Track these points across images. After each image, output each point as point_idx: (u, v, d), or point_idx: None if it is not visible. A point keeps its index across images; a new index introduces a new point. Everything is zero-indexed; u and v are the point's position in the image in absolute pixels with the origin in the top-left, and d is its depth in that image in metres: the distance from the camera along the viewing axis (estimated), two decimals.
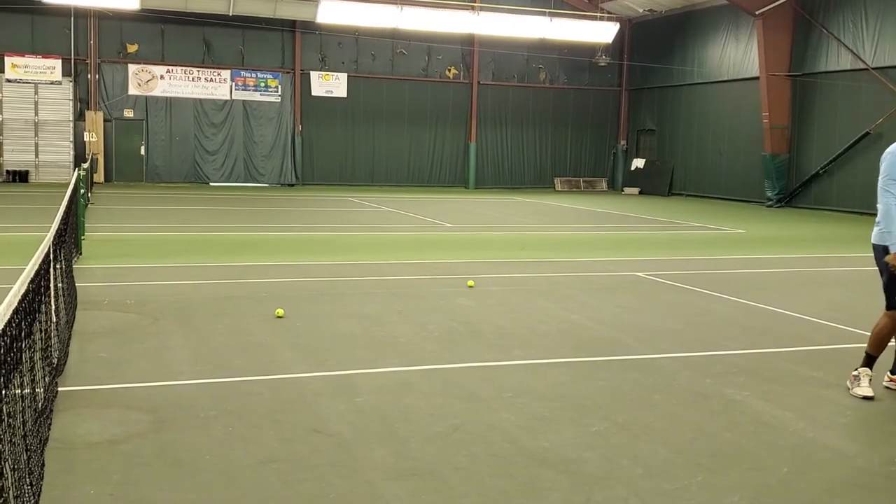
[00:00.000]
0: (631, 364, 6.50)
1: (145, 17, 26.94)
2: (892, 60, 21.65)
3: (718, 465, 4.40)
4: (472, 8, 28.52)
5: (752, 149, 25.63)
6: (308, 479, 4.14)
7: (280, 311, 7.86)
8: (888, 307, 5.83)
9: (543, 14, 28.93)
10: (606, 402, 5.51)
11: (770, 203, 24.64)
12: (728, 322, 8.24)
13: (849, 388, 5.85)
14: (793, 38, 24.55)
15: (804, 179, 24.23)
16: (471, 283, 9.74)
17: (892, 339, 5.88)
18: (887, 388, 5.93)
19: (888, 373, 5.98)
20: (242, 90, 28.81)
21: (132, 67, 27.69)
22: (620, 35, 30.81)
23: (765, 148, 24.78)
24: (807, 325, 8.17)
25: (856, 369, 5.86)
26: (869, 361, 5.80)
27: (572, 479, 4.18)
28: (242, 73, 28.76)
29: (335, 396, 5.47)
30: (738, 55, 26.69)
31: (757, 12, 24.08)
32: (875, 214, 6.10)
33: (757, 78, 24.94)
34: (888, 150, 5.94)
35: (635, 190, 30.95)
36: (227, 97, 28.66)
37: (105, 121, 27.49)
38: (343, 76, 29.68)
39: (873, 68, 22.03)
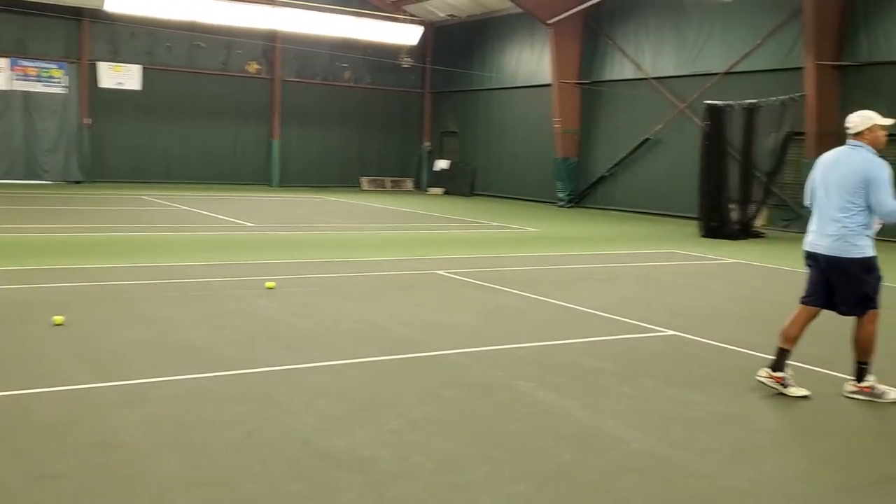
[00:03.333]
0: (427, 361, 6.66)
1: None
2: (668, 71, 23.45)
3: (505, 456, 4.61)
4: (273, 2, 27.98)
5: (545, 152, 26.91)
6: (90, 493, 3.92)
7: (59, 319, 7.36)
8: (867, 309, 5.92)
9: (347, 13, 28.91)
10: (402, 399, 5.61)
11: (562, 203, 26.00)
12: (520, 317, 8.63)
13: (874, 400, 5.89)
14: (582, 47, 26.00)
15: (592, 181, 25.75)
16: (270, 284, 9.59)
17: (799, 332, 6.08)
18: (760, 381, 6.03)
19: (769, 369, 6.06)
20: (23, 80, 26.68)
21: None
22: (424, 38, 31.36)
23: (556, 151, 26.10)
24: (592, 318, 8.70)
25: (864, 385, 5.95)
26: (778, 366, 5.99)
27: (366, 477, 4.23)
28: (22, 61, 26.64)
29: (124, 407, 5.22)
30: (532, 62, 27.93)
31: (549, 22, 25.31)
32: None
33: (549, 85, 26.20)
34: (851, 163, 5.89)
35: (440, 190, 31.64)
36: (5, 87, 26.44)
37: None
38: (136, 68, 28.23)
39: (652, 78, 23.77)
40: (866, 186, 5.77)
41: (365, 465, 4.40)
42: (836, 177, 5.93)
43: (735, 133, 19.00)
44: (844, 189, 5.85)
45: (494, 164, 29.93)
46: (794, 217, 20.02)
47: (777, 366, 6.06)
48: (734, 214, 18.67)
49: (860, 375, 6.03)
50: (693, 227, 18.83)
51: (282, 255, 12.48)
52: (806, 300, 6.16)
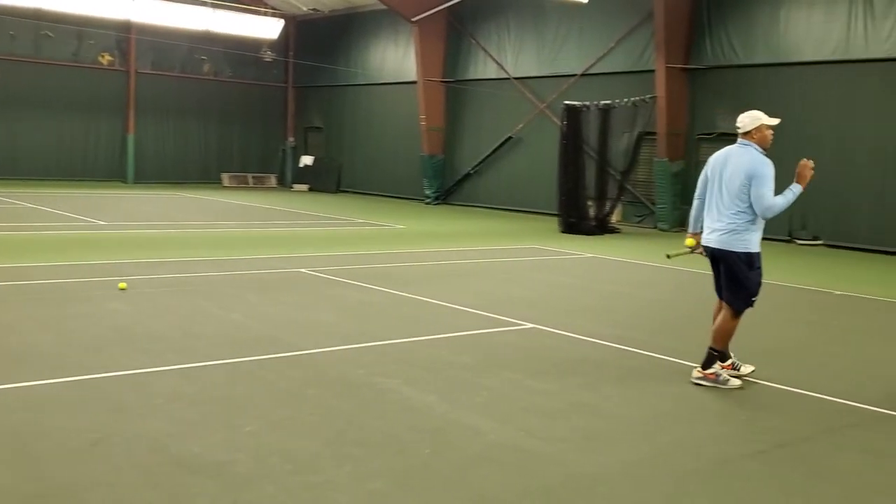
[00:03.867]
0: (289, 361, 6.56)
1: None
2: (529, 72, 23.99)
3: (365, 454, 4.59)
4: None
5: (412, 149, 27.01)
6: None
7: None
8: (744, 306, 6.26)
9: (205, 5, 28.04)
10: (262, 401, 5.50)
11: (428, 201, 26.18)
12: (384, 314, 8.63)
13: (710, 385, 6.24)
14: (446, 45, 26.24)
15: (458, 178, 26.06)
16: (123, 285, 9.18)
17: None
18: (697, 383, 6.31)
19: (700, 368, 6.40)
20: None
21: None
22: (286, 32, 30.82)
23: (423, 149, 26.27)
24: (456, 313, 8.81)
25: (709, 372, 6.28)
26: (723, 357, 6.39)
27: (221, 482, 4.12)
28: None
29: None
30: (397, 59, 27.96)
31: (413, 19, 25.40)
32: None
33: (415, 82, 26.32)
34: (736, 161, 6.20)
35: (305, 187, 31.21)
36: None
37: None
38: None
39: (514, 78, 24.27)
40: (749, 182, 6.08)
41: (220, 469, 4.28)
42: (725, 175, 6.24)
43: (591, 132, 19.70)
44: (733, 186, 6.17)
45: (361, 161, 29.81)
46: (647, 213, 20.94)
47: (722, 358, 6.41)
48: (591, 211, 19.34)
49: (708, 362, 6.35)
50: (553, 224, 19.37)
51: (136, 255, 11.99)
52: (718, 293, 6.49)
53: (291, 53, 32.00)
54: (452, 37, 26.14)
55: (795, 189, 6.15)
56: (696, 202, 6.57)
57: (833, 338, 8.67)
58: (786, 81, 18.31)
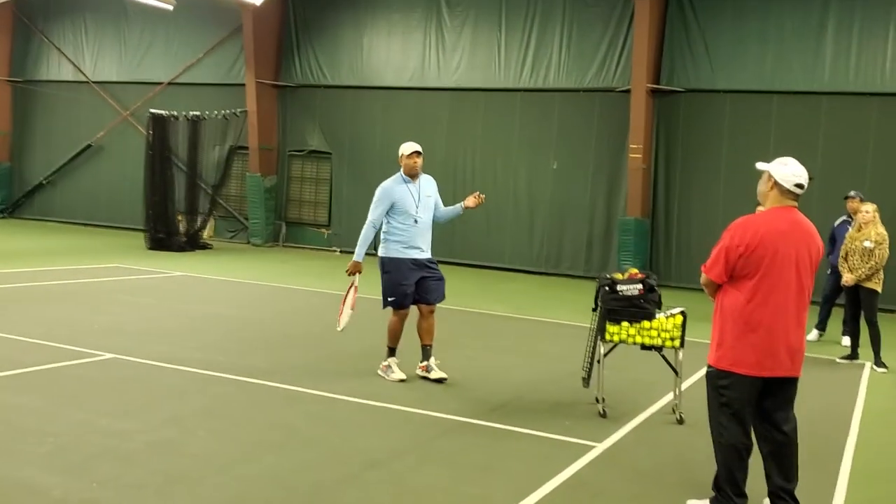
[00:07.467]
0: None
1: None
2: (110, 76, 22.35)
3: None
4: None
5: None
6: None
7: None
8: (385, 305, 7.17)
9: None
10: None
11: None
12: None
13: (384, 377, 7.14)
14: (12, 41, 23.46)
15: (28, 190, 23.36)
16: None
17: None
18: (421, 376, 7.22)
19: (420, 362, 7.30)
20: None
21: None
22: None
23: None
24: (17, 346, 7.68)
25: (384, 363, 7.21)
26: (392, 353, 7.21)
27: None
28: None
29: None
30: None
31: None
32: None
33: None
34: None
35: None
36: None
37: None
38: None
39: (94, 82, 22.44)
40: None
41: None
42: None
43: (181, 144, 18.92)
44: None
45: None
46: (241, 228, 20.62)
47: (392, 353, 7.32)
48: (181, 226, 18.53)
49: (388, 356, 7.26)
50: (139, 240, 18.16)
51: None
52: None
53: None
54: (20, 32, 23.44)
55: (362, 251, 7.14)
56: None
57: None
58: (370, 103, 19.26)
